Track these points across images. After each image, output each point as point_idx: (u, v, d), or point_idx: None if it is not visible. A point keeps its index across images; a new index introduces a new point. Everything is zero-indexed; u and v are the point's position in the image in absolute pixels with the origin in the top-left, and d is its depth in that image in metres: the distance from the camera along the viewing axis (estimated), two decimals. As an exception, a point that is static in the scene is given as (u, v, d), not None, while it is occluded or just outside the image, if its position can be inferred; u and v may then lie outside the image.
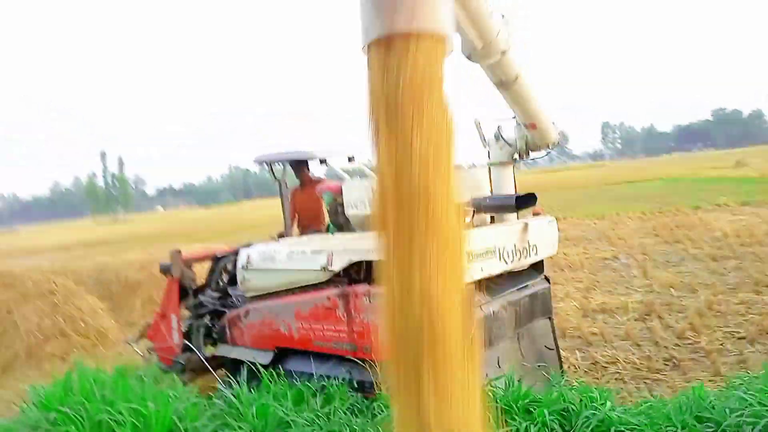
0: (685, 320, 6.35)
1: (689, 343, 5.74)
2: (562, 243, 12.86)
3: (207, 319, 4.99)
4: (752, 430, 2.68)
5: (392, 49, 1.33)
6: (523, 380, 3.78)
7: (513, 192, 4.52)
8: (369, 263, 3.74)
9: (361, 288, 3.71)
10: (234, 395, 3.38)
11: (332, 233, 5.06)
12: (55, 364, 7.31)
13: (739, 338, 5.75)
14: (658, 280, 8.28)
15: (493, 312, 3.68)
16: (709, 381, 4.77)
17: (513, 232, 3.85)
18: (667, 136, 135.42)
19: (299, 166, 5.72)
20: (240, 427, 3.07)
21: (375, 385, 3.62)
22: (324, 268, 3.90)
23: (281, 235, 5.54)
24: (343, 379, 3.79)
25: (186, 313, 5.25)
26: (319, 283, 3.97)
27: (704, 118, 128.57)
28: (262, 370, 3.81)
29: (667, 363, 5.34)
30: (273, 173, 5.23)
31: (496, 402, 3.10)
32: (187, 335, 5.11)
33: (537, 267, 4.33)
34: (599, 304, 7.49)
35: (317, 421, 3.17)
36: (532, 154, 4.50)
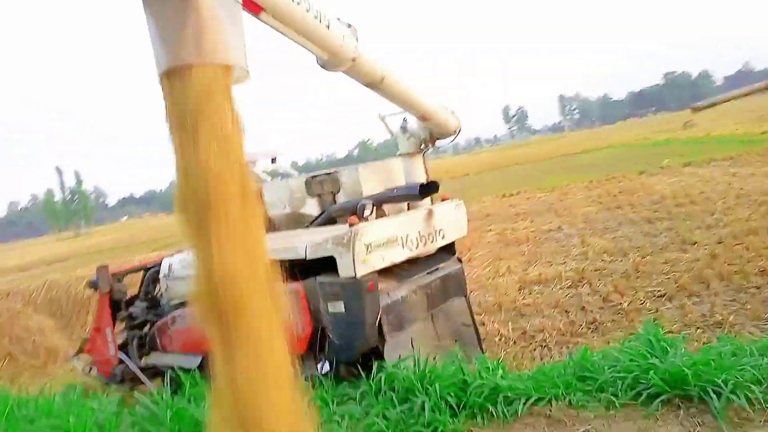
0: (612, 284, 6.69)
1: (612, 305, 6.06)
2: (511, 218, 13.27)
3: (139, 330, 5.07)
4: (623, 382, 2.93)
5: (178, 79, 1.48)
6: (438, 358, 4.00)
7: (423, 180, 4.71)
8: (285, 261, 3.88)
9: (274, 286, 3.84)
10: (154, 402, 3.50)
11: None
12: (6, 387, 7.31)
13: (659, 296, 6.08)
14: (594, 247, 8.63)
15: (402, 297, 3.86)
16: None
17: (415, 220, 4.03)
18: (621, 103, 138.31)
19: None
20: (157, 432, 3.20)
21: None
22: (239, 271, 4.02)
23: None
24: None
25: (121, 325, 5.31)
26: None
27: (656, 83, 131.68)
28: (182, 375, 3.92)
29: (590, 326, 5.64)
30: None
31: (397, 381, 3.31)
32: (123, 347, 5.18)
33: (448, 250, 4.54)
34: (536, 275, 7.78)
35: (233, 418, 3.31)
36: (438, 143, 4.69)
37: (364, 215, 3.74)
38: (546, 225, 11.61)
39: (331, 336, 3.65)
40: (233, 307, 1.51)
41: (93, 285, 5.13)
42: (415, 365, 3.51)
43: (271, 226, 5.12)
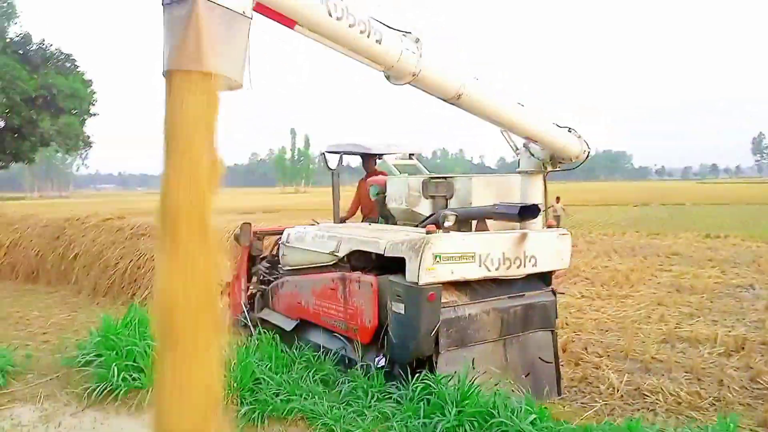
0: (772, 364, 5.61)
1: (758, 387, 5.12)
2: (700, 263, 11.69)
3: (263, 286, 5.74)
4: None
5: (172, 81, 1.77)
6: (502, 385, 3.89)
7: (540, 201, 4.52)
8: (370, 253, 4.11)
9: (355, 275, 4.09)
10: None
11: (378, 223, 5.47)
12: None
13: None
14: (777, 318, 7.26)
15: (470, 314, 3.81)
16: (750, 430, 4.31)
17: (503, 241, 3.91)
18: None
19: (366, 158, 6.17)
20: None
21: (352, 362, 4.02)
22: (332, 253, 4.35)
23: (342, 220, 6.10)
24: (335, 353, 4.23)
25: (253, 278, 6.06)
26: (330, 266, 4.43)
27: None
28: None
29: (715, 403, 4.86)
30: (326, 164, 5.77)
31: (435, 394, 3.32)
32: (252, 297, 5.92)
33: (543, 279, 4.31)
34: (688, 332, 6.84)
35: (284, 383, 3.67)
36: (562, 166, 4.44)
37: (444, 225, 3.76)
38: (736, 279, 10.03)
39: (390, 334, 3.78)
40: (170, 323, 1.78)
41: (236, 238, 5.93)
42: (458, 385, 3.49)
43: (390, 217, 5.37)
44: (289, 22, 2.17)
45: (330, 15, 2.22)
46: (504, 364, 4.05)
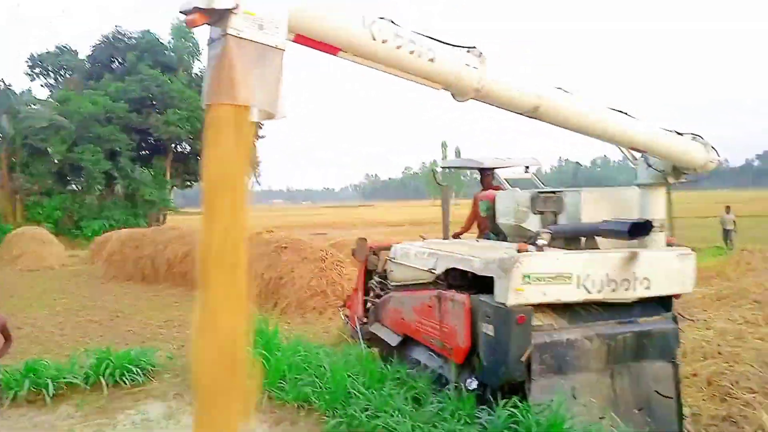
0: None
1: None
2: None
3: (376, 299, 5.86)
4: None
5: (210, 114, 1.93)
6: (609, 419, 3.58)
7: (661, 216, 4.09)
8: (466, 272, 4.02)
9: (450, 293, 4.02)
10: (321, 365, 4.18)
11: (490, 239, 5.34)
12: (315, 315, 9.34)
13: None
14: None
15: (568, 339, 3.53)
16: None
17: (607, 261, 3.57)
18: None
19: (482, 173, 6.05)
20: (315, 382, 3.86)
21: (448, 382, 3.94)
22: (430, 270, 4.32)
23: (456, 236, 6.03)
24: (432, 371, 4.19)
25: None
26: (430, 283, 4.40)
27: None
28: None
29: None
30: (436, 179, 5.72)
31: (520, 425, 3.14)
32: (367, 310, 6.08)
33: (663, 304, 3.85)
34: None
35: (372, 399, 3.71)
36: (685, 177, 3.96)
37: (538, 244, 3.54)
38: None
39: (481, 356, 3.65)
40: (198, 377, 1.93)
41: (353, 253, 6.14)
42: (549, 416, 3.25)
43: (501, 233, 5.20)
44: (332, 50, 2.22)
45: (374, 39, 2.23)
46: (611, 396, 3.67)
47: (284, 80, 1.97)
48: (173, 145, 30.87)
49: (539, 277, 3.39)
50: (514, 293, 3.35)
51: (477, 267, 3.73)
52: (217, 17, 1.86)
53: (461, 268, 3.95)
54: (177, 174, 31.49)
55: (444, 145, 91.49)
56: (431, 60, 2.42)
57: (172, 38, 32.02)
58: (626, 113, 3.42)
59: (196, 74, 33.25)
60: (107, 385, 4.61)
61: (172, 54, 31.68)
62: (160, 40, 31.36)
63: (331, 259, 10.02)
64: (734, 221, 15.21)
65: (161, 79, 28.69)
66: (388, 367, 4.29)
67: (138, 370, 4.81)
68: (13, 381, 4.35)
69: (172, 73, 30.52)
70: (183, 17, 1.89)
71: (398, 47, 2.31)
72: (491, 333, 3.50)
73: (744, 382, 5.46)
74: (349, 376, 3.97)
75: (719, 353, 6.44)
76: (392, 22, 2.31)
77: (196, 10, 1.82)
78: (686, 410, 4.58)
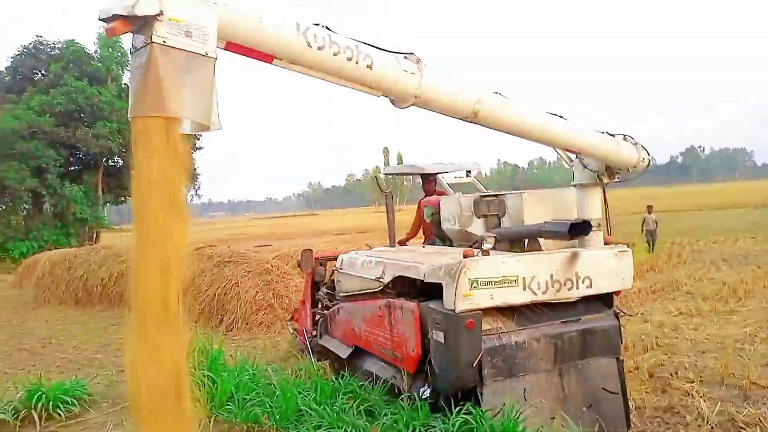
0: None
1: None
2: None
3: (325, 311, 5.76)
4: None
5: (137, 127, 1.81)
6: (559, 419, 3.62)
7: (598, 215, 4.21)
8: (414, 279, 3.99)
9: (399, 302, 3.99)
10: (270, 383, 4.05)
11: (436, 244, 5.35)
12: (262, 330, 9.11)
13: None
14: None
15: (517, 342, 3.57)
16: None
17: (550, 261, 3.64)
18: None
19: (426, 177, 6.07)
20: (264, 402, 3.73)
21: (401, 392, 3.90)
22: (378, 279, 4.27)
23: (402, 243, 6.02)
24: (385, 382, 4.13)
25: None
26: (378, 292, 4.35)
27: None
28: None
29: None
30: (379, 185, 5.70)
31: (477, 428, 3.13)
32: (316, 323, 5.97)
33: (604, 301, 3.95)
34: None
35: (326, 414, 3.62)
36: (618, 177, 4.10)
37: (483, 248, 3.56)
38: None
39: (433, 363, 3.62)
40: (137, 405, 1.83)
41: (298, 264, 6.03)
42: (503, 419, 3.26)
43: (447, 239, 5.23)
44: (265, 58, 2.14)
45: (310, 46, 2.17)
46: (561, 395, 3.73)
47: (217, 90, 1.87)
48: (104, 160, 29.53)
49: (487, 281, 3.41)
50: (462, 299, 3.35)
51: (424, 274, 3.72)
52: (141, 24, 1.75)
53: (409, 275, 3.93)
54: (109, 189, 30.14)
55: (386, 152, 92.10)
56: (369, 66, 2.38)
57: (99, 48, 30.71)
58: (561, 117, 3.50)
59: (126, 85, 31.98)
60: (40, 419, 4.31)
61: (100, 64, 30.34)
62: (86, 50, 29.98)
63: (276, 271, 9.82)
64: (656, 221, 15.93)
65: (89, 91, 27.40)
66: (340, 381, 4.20)
67: (73, 400, 4.51)
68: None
69: (100, 84, 29.22)
70: (103, 25, 1.76)
71: (335, 54, 2.26)
72: (442, 340, 3.48)
73: (683, 371, 5.72)
74: (300, 393, 3.86)
75: (658, 345, 6.74)
76: (327, 28, 2.26)
77: (117, 17, 1.70)
78: (631, 403, 4.72)
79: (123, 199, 31.32)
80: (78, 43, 29.55)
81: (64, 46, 29.33)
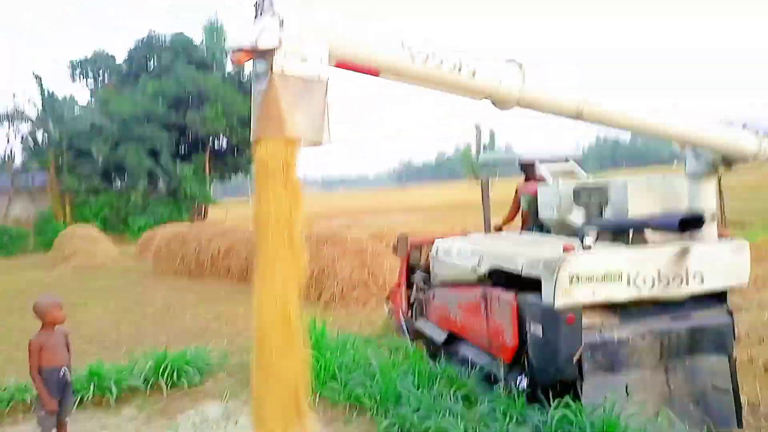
0: None
1: None
2: None
3: (421, 294, 5.89)
4: None
5: (259, 146, 1.98)
6: (664, 416, 3.55)
7: (712, 208, 3.98)
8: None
9: (496, 292, 4.02)
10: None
11: (534, 231, 5.30)
12: (358, 306, 9.45)
13: None
14: None
15: (620, 338, 3.50)
16: None
17: (657, 256, 3.51)
18: None
19: (523, 165, 5.98)
20: (365, 383, 3.94)
21: (497, 379, 3.96)
22: (473, 269, 4.32)
23: (499, 228, 6.00)
24: (481, 369, 4.21)
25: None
26: (475, 281, 4.40)
27: None
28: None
29: None
30: (475, 173, 5.68)
31: (573, 424, 3.14)
32: (411, 305, 6.13)
33: (718, 297, 3.76)
34: None
35: (423, 399, 3.76)
36: (736, 167, 3.84)
37: (585, 243, 3.49)
38: None
39: (530, 355, 3.65)
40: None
41: (393, 249, 6.19)
42: (604, 415, 3.24)
43: (544, 227, 5.15)
44: (373, 72, 2.24)
45: (413, 59, 2.24)
46: (666, 393, 3.63)
47: (329, 107, 2.00)
48: (211, 141, 31.44)
49: (587, 277, 3.36)
50: (561, 294, 3.33)
51: (522, 267, 3.71)
52: (262, 53, 1.90)
53: (506, 267, 3.94)
54: (215, 168, 32.09)
55: (478, 129, 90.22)
56: (473, 74, 2.41)
57: (204, 37, 32.50)
58: (677, 107, 3.33)
59: (229, 72, 33.66)
60: (166, 386, 4.80)
61: (205, 53, 32.14)
62: (193, 41, 31.85)
63: (371, 250, 10.10)
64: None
65: (197, 77, 29.15)
66: (437, 365, 4.33)
67: (194, 370, 4.98)
68: (78, 385, 4.58)
69: (206, 70, 30.97)
70: (233, 48, 1.92)
71: (438, 66, 2.31)
72: (540, 334, 3.49)
73: (801, 365, 5.30)
74: (398, 375, 4.03)
75: (785, 335, 6.26)
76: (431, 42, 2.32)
77: (242, 49, 1.86)
78: (744, 400, 4.49)
79: (228, 176, 33.22)
80: (186, 35, 31.41)
81: (174, 37, 31.28)
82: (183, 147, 31.82)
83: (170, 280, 13.57)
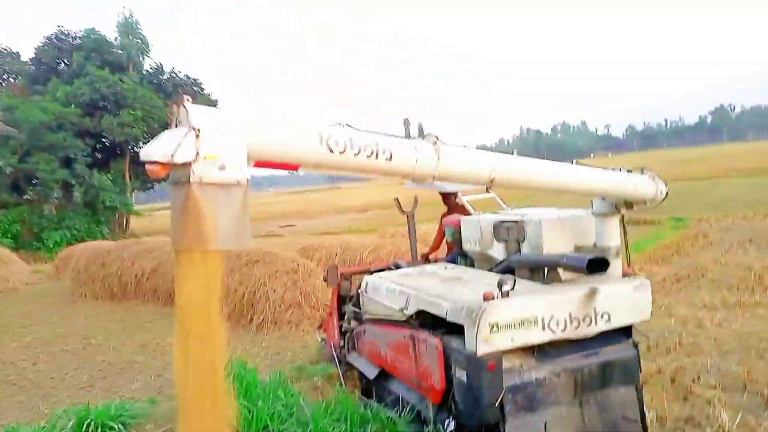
0: None
1: None
2: None
3: (352, 326, 5.96)
4: None
5: (179, 258, 1.96)
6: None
7: (617, 243, 4.28)
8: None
9: (423, 334, 4.15)
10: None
11: (459, 259, 5.49)
12: (291, 328, 9.41)
13: None
14: None
15: (537, 378, 3.71)
16: None
17: (568, 300, 3.74)
18: None
19: (445, 194, 6.16)
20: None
21: (427, 420, 4.10)
22: (401, 310, 4.43)
23: (426, 257, 6.16)
24: (411, 408, 4.33)
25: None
26: (403, 321, 4.52)
27: None
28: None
29: None
30: (399, 207, 5.82)
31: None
32: (343, 335, 6.18)
33: (623, 331, 4.06)
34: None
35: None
36: (638, 208, 4.15)
37: (503, 290, 3.67)
38: None
39: (456, 399, 3.79)
40: None
41: (324, 279, 6.22)
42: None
43: (468, 260, 5.35)
44: (292, 167, 2.28)
45: (332, 152, 2.28)
46: (582, 426, 3.88)
47: (248, 211, 2.01)
48: (130, 147, 30.10)
49: (506, 324, 3.53)
50: (483, 343, 3.49)
51: (446, 312, 3.85)
52: (179, 165, 1.89)
53: (432, 311, 4.08)
54: (136, 176, 30.79)
55: (406, 123, 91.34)
56: (388, 159, 2.49)
57: (119, 35, 31.00)
58: (575, 164, 3.57)
59: (147, 71, 32.32)
60: (91, 447, 4.61)
61: (120, 52, 30.68)
62: (107, 39, 30.30)
63: (303, 270, 10.07)
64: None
65: (111, 79, 27.81)
66: (369, 408, 4.41)
67: (120, 425, 4.81)
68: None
69: (122, 72, 29.60)
70: (149, 160, 1.89)
71: (356, 154, 2.37)
72: (464, 379, 3.64)
73: (705, 376, 5.77)
74: (331, 424, 4.08)
75: (680, 345, 6.80)
76: (348, 125, 2.37)
77: (156, 162, 1.84)
78: (652, 414, 4.86)
79: (150, 185, 31.96)
80: (98, 32, 29.83)
81: (85, 35, 29.65)
82: (100, 154, 30.31)
83: (91, 305, 12.93)
